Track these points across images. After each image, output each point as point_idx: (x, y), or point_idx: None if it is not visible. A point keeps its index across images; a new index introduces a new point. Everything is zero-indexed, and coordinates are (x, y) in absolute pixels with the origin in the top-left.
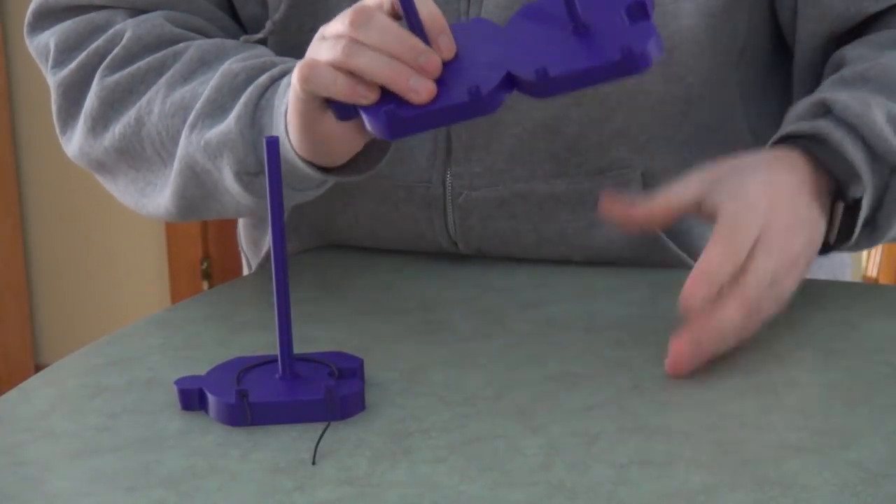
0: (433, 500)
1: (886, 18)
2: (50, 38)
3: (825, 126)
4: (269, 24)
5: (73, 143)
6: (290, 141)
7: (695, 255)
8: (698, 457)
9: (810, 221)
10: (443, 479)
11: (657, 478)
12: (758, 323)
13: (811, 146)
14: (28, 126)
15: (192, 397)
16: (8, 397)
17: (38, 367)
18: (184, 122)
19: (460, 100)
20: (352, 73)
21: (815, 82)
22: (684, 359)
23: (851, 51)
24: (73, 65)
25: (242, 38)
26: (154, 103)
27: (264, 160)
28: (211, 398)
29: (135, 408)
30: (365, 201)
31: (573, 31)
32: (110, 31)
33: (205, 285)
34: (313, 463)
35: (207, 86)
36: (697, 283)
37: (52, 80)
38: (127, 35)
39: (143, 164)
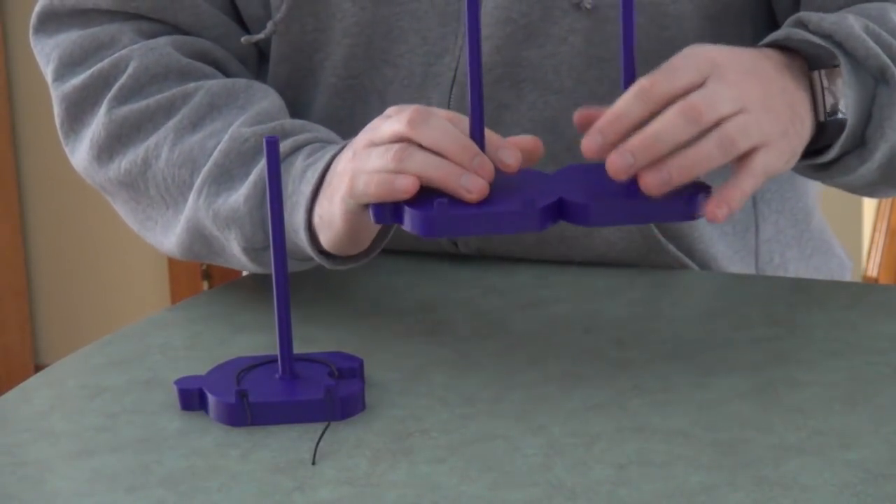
0: (433, 500)
1: None
2: (53, 49)
3: (799, 32)
4: (269, 25)
5: (77, 158)
6: (307, 234)
7: (695, 258)
8: (698, 457)
9: (777, 79)
10: (443, 479)
11: (657, 478)
12: (731, 154)
13: (788, 44)
14: (28, 126)
15: (192, 397)
16: (8, 397)
17: (38, 367)
18: (191, 174)
19: (512, 208)
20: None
21: None
22: (621, 168)
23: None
24: (76, 81)
25: (243, 38)
26: (162, 148)
27: (271, 235)
28: (211, 398)
29: (135, 408)
30: None
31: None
32: (116, 55)
33: (205, 285)
34: (313, 463)
35: (216, 141)
36: (590, 136)
37: (55, 92)
38: (133, 64)
39: (145, 201)
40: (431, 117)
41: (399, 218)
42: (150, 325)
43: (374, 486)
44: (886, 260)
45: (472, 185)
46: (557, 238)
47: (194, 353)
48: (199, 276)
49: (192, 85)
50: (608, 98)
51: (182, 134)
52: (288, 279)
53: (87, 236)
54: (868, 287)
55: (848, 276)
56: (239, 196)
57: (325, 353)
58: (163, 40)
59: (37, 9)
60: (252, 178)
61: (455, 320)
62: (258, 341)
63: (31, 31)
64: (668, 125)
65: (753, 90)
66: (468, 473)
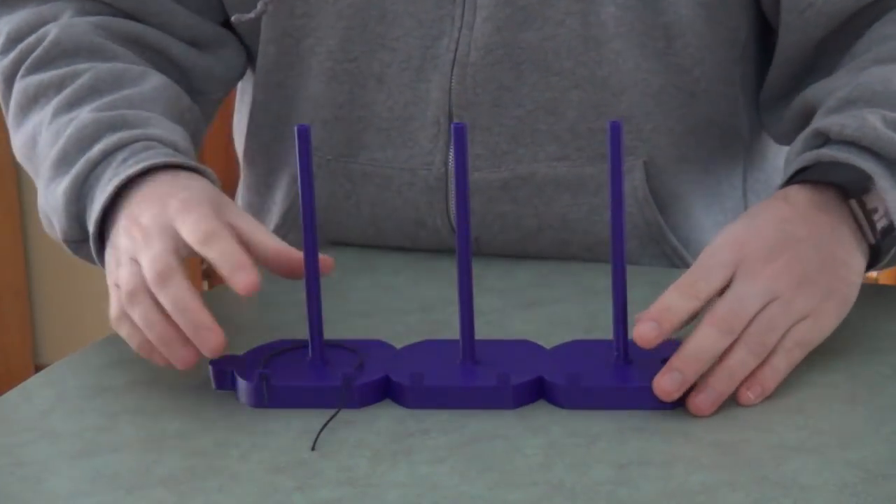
0: (433, 500)
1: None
2: (5, 25)
3: (826, 153)
4: (260, 5)
5: (11, 138)
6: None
7: (690, 248)
8: (698, 457)
9: (808, 238)
10: (443, 479)
11: (657, 478)
12: (763, 355)
13: (816, 174)
14: None
15: (225, 377)
16: (8, 397)
17: (38, 367)
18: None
19: (487, 383)
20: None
21: (791, 78)
22: (672, 389)
23: (826, 83)
24: (12, 55)
25: (233, 17)
26: (42, 126)
27: (88, 229)
28: (238, 379)
29: (135, 408)
30: (368, 187)
31: (615, 360)
32: (41, 30)
33: (205, 285)
34: (312, 448)
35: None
36: (645, 323)
37: None
38: (49, 37)
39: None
40: (171, 281)
41: (375, 395)
42: None
43: (374, 486)
44: None
45: (178, 358)
46: (559, 221)
47: None
48: (199, 275)
49: (85, 65)
50: (609, 80)
51: (58, 114)
52: (318, 260)
53: None
54: (868, 287)
55: None
56: (60, 188)
57: (360, 341)
58: (88, 18)
59: None
60: (74, 169)
61: (455, 320)
62: (258, 341)
63: None
64: (704, 340)
65: (781, 271)
66: (468, 473)
